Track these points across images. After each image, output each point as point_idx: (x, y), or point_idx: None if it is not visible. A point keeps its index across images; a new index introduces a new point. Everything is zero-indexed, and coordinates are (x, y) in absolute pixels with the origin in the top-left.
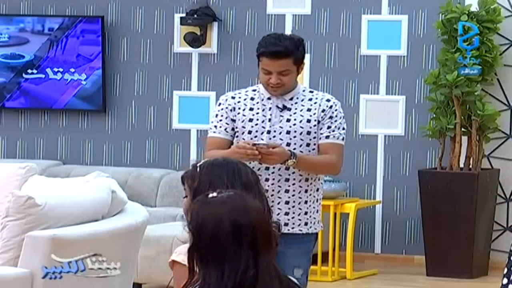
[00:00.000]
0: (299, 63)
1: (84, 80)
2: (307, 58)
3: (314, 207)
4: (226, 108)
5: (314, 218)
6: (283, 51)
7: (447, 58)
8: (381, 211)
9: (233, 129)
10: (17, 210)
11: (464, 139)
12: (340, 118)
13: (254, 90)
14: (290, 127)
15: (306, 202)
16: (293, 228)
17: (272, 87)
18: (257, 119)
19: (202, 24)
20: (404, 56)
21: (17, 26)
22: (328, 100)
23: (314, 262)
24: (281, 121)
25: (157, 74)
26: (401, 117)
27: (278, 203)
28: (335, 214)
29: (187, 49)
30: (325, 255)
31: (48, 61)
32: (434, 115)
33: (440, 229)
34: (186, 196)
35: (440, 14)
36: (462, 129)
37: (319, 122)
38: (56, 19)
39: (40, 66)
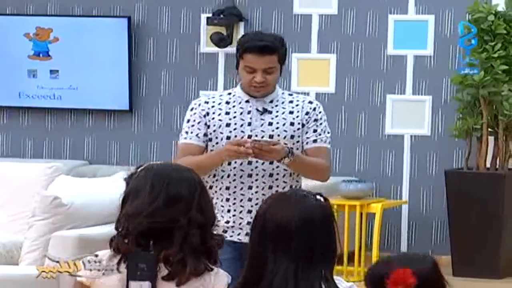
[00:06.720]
0: (282, 62)
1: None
2: (333, 58)
3: None
4: (200, 113)
5: None
6: (269, 46)
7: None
8: (408, 211)
9: (205, 134)
10: (44, 210)
11: (491, 139)
12: (324, 120)
13: (229, 94)
14: (273, 130)
15: None
16: None
17: (256, 86)
18: (235, 123)
19: (229, 24)
20: (430, 56)
21: None
22: (310, 102)
23: (340, 262)
24: (262, 124)
25: (183, 74)
26: (428, 117)
27: None
28: (361, 214)
29: (214, 49)
30: (351, 255)
31: None
32: (461, 115)
33: (467, 229)
34: None
35: (467, 14)
36: (489, 129)
37: (303, 125)
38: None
39: None
